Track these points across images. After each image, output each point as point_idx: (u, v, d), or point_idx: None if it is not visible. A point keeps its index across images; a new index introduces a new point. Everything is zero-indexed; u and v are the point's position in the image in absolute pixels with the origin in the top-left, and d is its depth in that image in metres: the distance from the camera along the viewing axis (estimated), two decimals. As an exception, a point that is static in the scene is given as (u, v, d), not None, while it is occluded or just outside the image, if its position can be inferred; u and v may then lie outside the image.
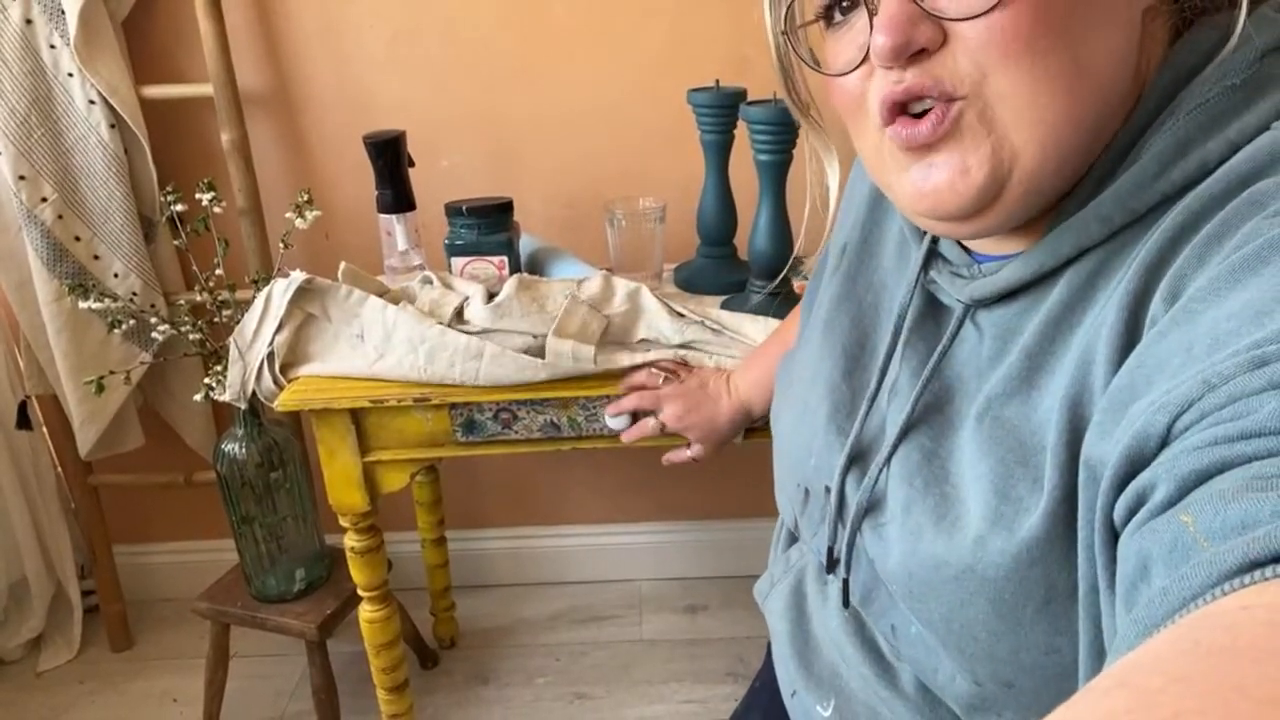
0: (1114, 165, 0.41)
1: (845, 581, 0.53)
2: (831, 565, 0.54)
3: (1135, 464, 0.32)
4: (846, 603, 0.54)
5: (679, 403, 0.92)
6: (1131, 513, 0.31)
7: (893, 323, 0.52)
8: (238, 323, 1.18)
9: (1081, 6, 0.38)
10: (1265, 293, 0.31)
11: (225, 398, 1.06)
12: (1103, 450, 0.35)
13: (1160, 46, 0.41)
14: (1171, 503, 0.29)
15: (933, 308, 0.52)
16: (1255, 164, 0.36)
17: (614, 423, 1.00)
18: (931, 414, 0.48)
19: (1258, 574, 0.23)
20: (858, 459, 0.52)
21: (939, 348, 0.49)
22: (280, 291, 0.99)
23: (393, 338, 0.98)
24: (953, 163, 0.41)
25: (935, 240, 0.51)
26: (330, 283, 1.00)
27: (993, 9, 0.38)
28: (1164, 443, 0.31)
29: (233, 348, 1.02)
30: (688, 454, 0.94)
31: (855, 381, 0.54)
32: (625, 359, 0.99)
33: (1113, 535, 0.34)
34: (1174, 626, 0.23)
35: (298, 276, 0.99)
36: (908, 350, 0.51)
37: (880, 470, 0.49)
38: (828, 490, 0.53)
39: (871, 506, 0.50)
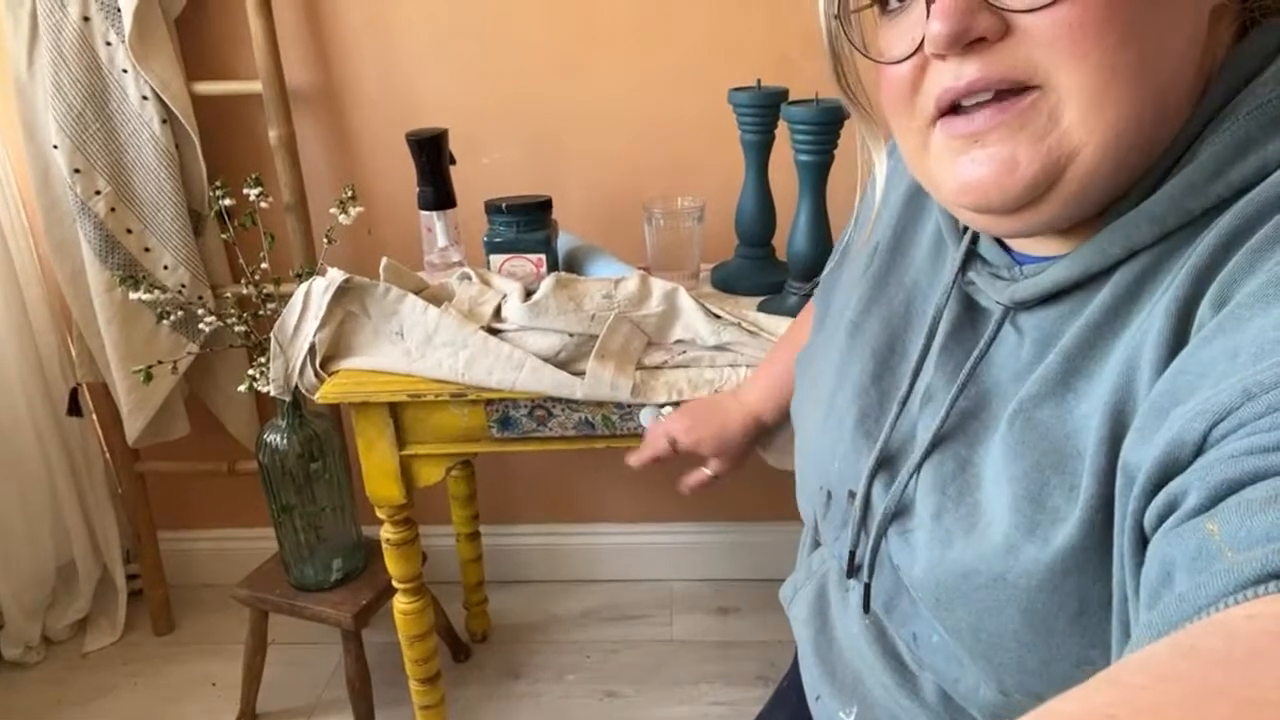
0: (1170, 167, 0.40)
1: (867, 586, 0.52)
2: (853, 570, 0.53)
3: (1169, 470, 0.31)
4: (867, 608, 0.53)
5: (686, 417, 0.87)
6: (1162, 519, 0.31)
7: (926, 325, 0.51)
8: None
9: (1151, 1, 0.37)
10: None
11: (271, 392, 1.08)
12: (1140, 455, 0.34)
13: (1223, 48, 0.40)
14: (1202, 510, 0.28)
15: (969, 311, 0.50)
16: None
17: (648, 421, 1.00)
18: (966, 420, 0.47)
19: (1272, 585, 0.23)
20: (885, 464, 0.50)
21: (976, 351, 0.47)
22: (320, 291, 1.01)
23: (434, 339, 0.99)
24: (1001, 155, 0.40)
25: (975, 240, 0.49)
26: (368, 281, 1.02)
27: (1058, 1, 0.36)
28: (1199, 450, 0.30)
29: (273, 343, 1.03)
30: (706, 473, 0.88)
31: (884, 384, 0.53)
32: (660, 358, 1.00)
33: (1142, 541, 0.33)
34: (1178, 632, 0.23)
35: (337, 276, 1.00)
36: (942, 354, 0.50)
37: (911, 476, 0.48)
38: (851, 495, 0.52)
39: (899, 512, 0.49)
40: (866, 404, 0.53)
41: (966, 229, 0.50)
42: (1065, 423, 0.41)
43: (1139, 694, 0.19)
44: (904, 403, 0.51)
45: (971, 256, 0.50)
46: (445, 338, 0.99)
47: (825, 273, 0.67)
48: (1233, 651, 0.20)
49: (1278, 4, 0.40)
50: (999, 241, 0.48)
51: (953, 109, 0.41)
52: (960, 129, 0.41)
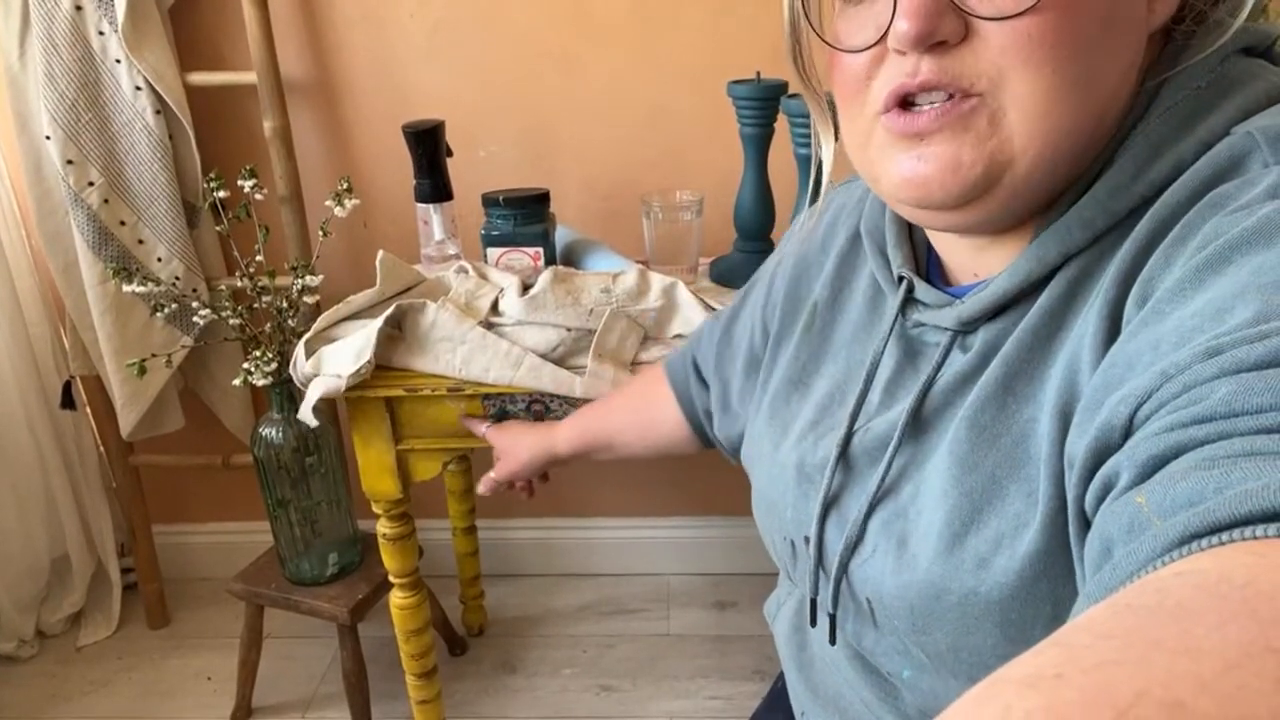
0: (1097, 172, 0.42)
1: (832, 618, 0.52)
2: (815, 619, 0.53)
3: (1102, 454, 0.33)
4: (833, 640, 0.53)
5: (511, 422, 0.98)
6: (1100, 500, 0.33)
7: (865, 370, 0.51)
8: (277, 308, 1.19)
9: (1106, 22, 0.39)
10: (1226, 290, 0.32)
11: (303, 419, 1.01)
12: (1078, 447, 0.36)
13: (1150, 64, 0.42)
14: (1132, 486, 0.30)
15: (910, 354, 0.51)
16: (1216, 168, 0.38)
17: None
18: (918, 447, 0.47)
19: (1194, 545, 0.25)
20: (833, 504, 0.51)
21: (924, 380, 0.48)
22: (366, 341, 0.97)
23: (431, 335, 0.98)
24: (946, 155, 0.41)
25: (911, 289, 0.50)
26: (412, 303, 0.99)
27: (1025, 13, 0.37)
28: (1128, 432, 0.32)
29: (300, 369, 0.99)
30: (490, 474, 0.95)
31: (820, 429, 0.54)
32: (658, 352, 0.99)
33: (1087, 526, 0.35)
34: (1114, 595, 0.24)
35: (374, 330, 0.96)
36: (886, 396, 0.51)
37: (868, 511, 0.48)
38: (807, 540, 0.53)
39: (856, 546, 0.49)
40: (804, 449, 0.54)
41: (902, 279, 0.50)
42: (1011, 428, 0.42)
43: (1083, 652, 0.20)
44: (846, 443, 0.51)
45: (909, 303, 0.51)
46: (443, 333, 0.98)
47: (719, 335, 0.71)
48: (1164, 605, 0.21)
49: (1198, 20, 0.42)
50: (934, 283, 0.50)
51: (900, 104, 0.42)
52: (906, 127, 0.41)
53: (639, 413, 0.85)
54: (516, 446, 0.93)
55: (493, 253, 1.11)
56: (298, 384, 1.03)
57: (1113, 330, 0.38)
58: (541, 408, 1.01)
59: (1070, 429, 0.38)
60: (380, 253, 1.05)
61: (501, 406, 1.01)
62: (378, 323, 0.96)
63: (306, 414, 0.96)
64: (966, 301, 0.46)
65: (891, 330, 0.51)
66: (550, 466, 0.93)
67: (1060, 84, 0.38)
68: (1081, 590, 0.36)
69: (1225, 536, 0.24)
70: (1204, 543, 0.25)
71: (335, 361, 0.97)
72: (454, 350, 0.97)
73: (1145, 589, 0.23)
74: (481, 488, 0.96)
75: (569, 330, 0.98)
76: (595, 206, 1.39)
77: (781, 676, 0.78)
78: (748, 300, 0.69)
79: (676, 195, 1.17)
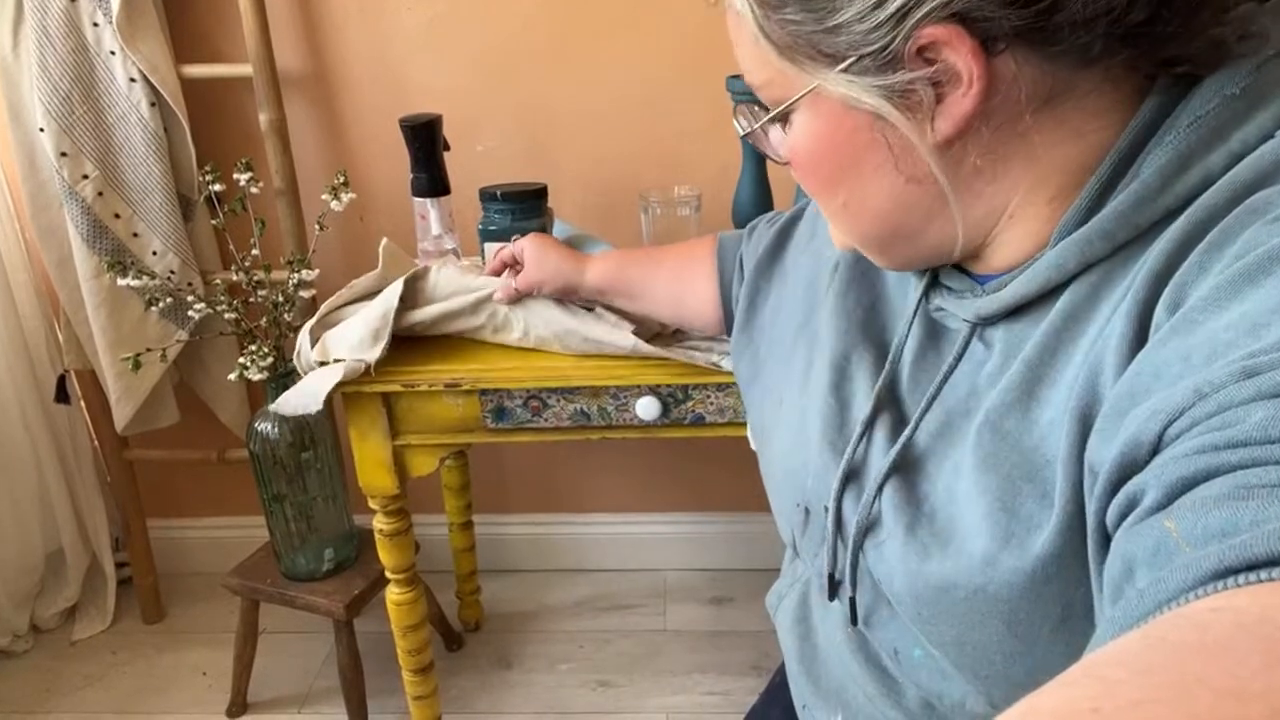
0: (1112, 181, 0.41)
1: (852, 600, 0.52)
2: (833, 591, 0.53)
3: (1128, 469, 0.33)
4: (854, 621, 0.53)
5: (538, 240, 0.93)
6: (1123, 516, 0.32)
7: (890, 350, 0.52)
8: (273, 303, 1.19)
9: (844, 170, 0.45)
10: (1263, 304, 0.31)
11: (306, 410, 1.03)
12: (1101, 455, 0.35)
13: (1114, 99, 0.40)
14: (1159, 508, 0.30)
15: (933, 336, 0.51)
16: (1258, 172, 0.37)
17: (645, 412, 0.99)
18: (936, 435, 0.47)
19: (1230, 580, 0.24)
20: (853, 477, 0.51)
21: (944, 368, 0.48)
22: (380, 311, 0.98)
23: (436, 293, 0.98)
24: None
25: (935, 271, 0.51)
26: (415, 273, 1.00)
27: (788, 164, 0.48)
28: (1156, 449, 0.32)
29: (305, 357, 0.99)
30: (512, 282, 0.94)
31: (842, 394, 0.54)
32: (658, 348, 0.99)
33: (1107, 539, 0.34)
34: (1146, 625, 0.24)
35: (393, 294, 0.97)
36: (911, 379, 0.51)
37: (879, 487, 0.48)
38: (826, 509, 0.53)
39: (872, 525, 0.49)
40: (828, 414, 0.54)
41: None
42: (1032, 431, 0.42)
43: (1119, 687, 0.19)
44: (870, 424, 0.51)
45: (934, 285, 0.51)
46: (450, 288, 0.98)
47: (764, 251, 0.69)
48: (1204, 642, 0.20)
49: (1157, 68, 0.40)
50: (958, 267, 0.50)
51: None
52: None
53: (678, 278, 0.82)
54: (545, 259, 0.91)
55: (490, 247, 1.11)
56: (301, 372, 1.02)
57: (1140, 333, 0.37)
58: (539, 403, 1.01)
59: (1091, 434, 0.37)
60: (384, 240, 1.05)
61: (499, 403, 1.01)
62: (393, 301, 0.95)
63: (318, 402, 0.96)
64: (986, 299, 0.46)
65: (916, 311, 0.51)
66: (568, 292, 0.92)
67: (827, 207, 0.48)
68: (1100, 610, 0.35)
69: (1264, 574, 0.24)
70: (1240, 579, 0.24)
71: (346, 344, 0.96)
72: (464, 298, 0.97)
73: (1180, 622, 0.22)
74: (499, 294, 0.95)
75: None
76: (593, 201, 1.39)
77: (779, 671, 0.77)
78: (791, 243, 0.67)
79: (675, 190, 1.17)
